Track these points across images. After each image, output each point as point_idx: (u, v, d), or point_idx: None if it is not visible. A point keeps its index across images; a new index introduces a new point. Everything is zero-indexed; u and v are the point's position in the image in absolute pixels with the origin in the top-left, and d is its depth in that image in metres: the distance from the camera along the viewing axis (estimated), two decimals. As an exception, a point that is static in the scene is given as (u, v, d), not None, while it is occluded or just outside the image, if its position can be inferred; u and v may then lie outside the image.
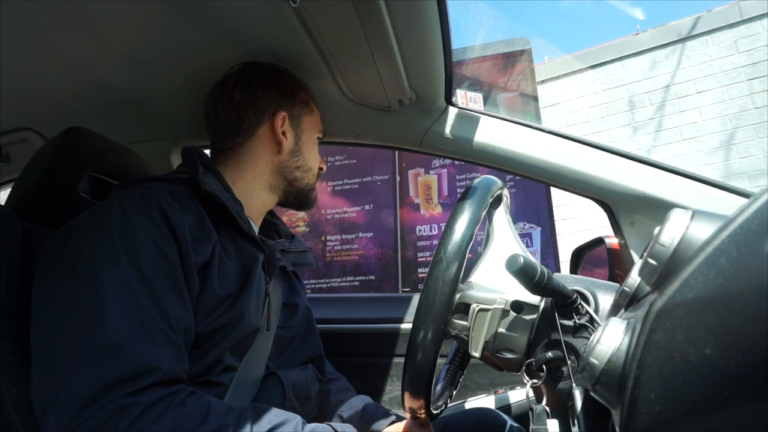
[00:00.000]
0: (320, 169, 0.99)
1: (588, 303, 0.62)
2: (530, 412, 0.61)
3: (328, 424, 0.71)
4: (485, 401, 1.19)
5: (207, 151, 0.93)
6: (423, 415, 0.66)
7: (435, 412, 0.69)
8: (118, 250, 0.64)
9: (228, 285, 0.75)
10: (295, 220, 3.32)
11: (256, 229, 0.92)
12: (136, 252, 0.64)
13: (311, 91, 0.99)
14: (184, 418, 0.58)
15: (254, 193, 0.91)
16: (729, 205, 0.94)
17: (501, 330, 0.65)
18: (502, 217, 0.77)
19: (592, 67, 4.62)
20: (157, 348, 0.61)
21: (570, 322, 0.61)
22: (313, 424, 0.70)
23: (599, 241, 1.11)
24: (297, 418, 0.68)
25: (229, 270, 0.76)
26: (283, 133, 0.91)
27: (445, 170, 3.13)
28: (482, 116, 1.08)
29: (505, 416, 0.92)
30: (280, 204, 0.98)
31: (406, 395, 0.63)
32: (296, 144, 0.94)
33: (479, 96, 3.12)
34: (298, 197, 0.97)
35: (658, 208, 0.98)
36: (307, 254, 1.02)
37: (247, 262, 0.80)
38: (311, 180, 0.97)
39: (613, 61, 4.54)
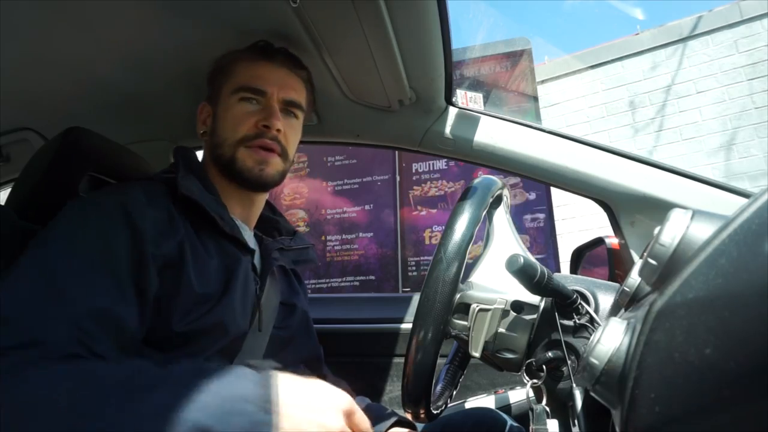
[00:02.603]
0: (265, 128, 0.81)
1: (588, 303, 0.62)
2: (530, 412, 0.61)
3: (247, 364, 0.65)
4: (485, 401, 1.19)
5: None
6: (423, 415, 0.66)
7: (435, 412, 0.69)
8: (61, 232, 0.65)
9: (209, 283, 0.73)
10: (295, 220, 3.32)
11: (249, 229, 0.90)
12: (75, 236, 0.65)
13: (241, 53, 0.87)
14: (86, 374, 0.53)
15: (227, 189, 0.86)
16: (729, 205, 0.94)
17: (501, 330, 0.65)
18: (502, 217, 0.77)
19: (592, 67, 4.62)
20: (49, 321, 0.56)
21: (570, 322, 0.61)
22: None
23: (599, 241, 1.10)
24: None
25: (208, 268, 0.74)
26: (204, 121, 0.89)
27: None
28: (482, 116, 1.08)
29: (505, 416, 0.92)
30: (238, 188, 0.86)
31: (406, 395, 0.63)
32: (214, 122, 0.86)
33: (479, 96, 3.12)
34: (230, 176, 0.84)
35: (658, 208, 0.98)
36: (309, 250, 0.99)
37: (229, 263, 0.78)
38: (227, 151, 0.83)
39: (613, 61, 4.54)
